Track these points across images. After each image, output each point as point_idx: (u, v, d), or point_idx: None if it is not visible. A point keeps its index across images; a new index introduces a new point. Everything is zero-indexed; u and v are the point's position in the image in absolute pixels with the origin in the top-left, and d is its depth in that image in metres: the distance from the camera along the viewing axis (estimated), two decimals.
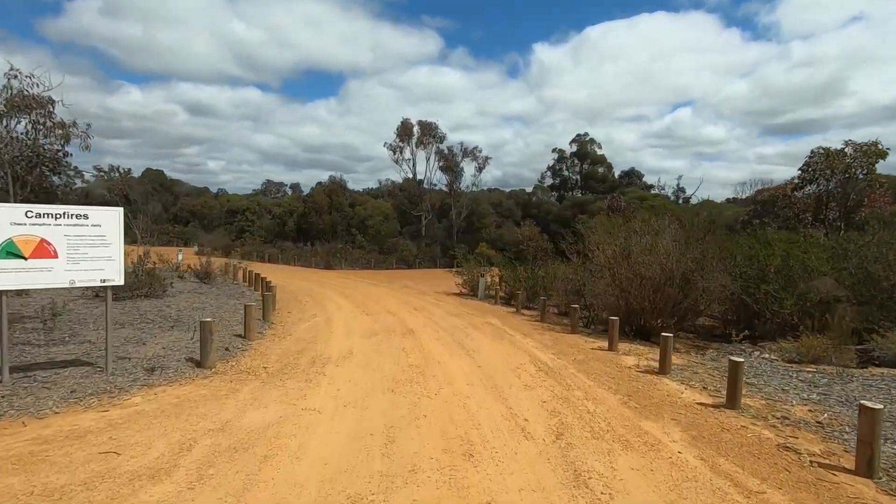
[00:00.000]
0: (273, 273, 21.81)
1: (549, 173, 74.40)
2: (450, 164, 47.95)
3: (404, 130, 49.14)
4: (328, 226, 55.08)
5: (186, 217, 75.63)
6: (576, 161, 72.38)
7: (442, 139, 49.89)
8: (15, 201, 9.02)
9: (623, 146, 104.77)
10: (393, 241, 44.13)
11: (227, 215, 74.25)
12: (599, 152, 71.48)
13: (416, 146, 50.46)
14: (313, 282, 22.36)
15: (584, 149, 71.23)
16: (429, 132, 49.49)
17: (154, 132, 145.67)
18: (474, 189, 50.82)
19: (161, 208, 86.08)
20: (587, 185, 68.70)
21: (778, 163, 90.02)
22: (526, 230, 34.17)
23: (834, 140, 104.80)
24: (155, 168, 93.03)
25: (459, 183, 49.18)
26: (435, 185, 53.29)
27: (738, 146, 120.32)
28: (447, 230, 53.85)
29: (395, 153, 51.11)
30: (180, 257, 24.72)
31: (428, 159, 50.67)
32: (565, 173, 72.38)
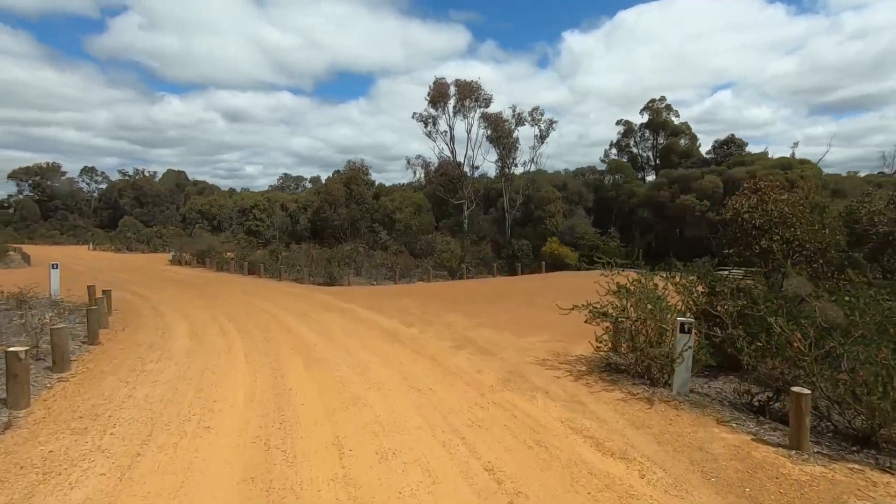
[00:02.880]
0: (190, 307, 10.80)
1: (613, 150, 61.24)
2: (501, 133, 36.08)
3: (437, 93, 37.56)
4: (346, 221, 44.25)
5: (195, 218, 66.77)
6: (647, 133, 59.02)
7: (487, 102, 38.06)
8: None
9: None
10: (427, 239, 32.69)
11: (238, 214, 65.24)
12: (677, 121, 57.88)
13: (454, 114, 38.82)
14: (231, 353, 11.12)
15: (659, 118, 57.63)
16: (469, 94, 37.73)
17: (196, 140, 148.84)
18: (531, 169, 38.76)
19: (175, 209, 78.68)
20: (666, 162, 55.21)
21: (827, 143, 74.89)
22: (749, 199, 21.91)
23: (891, 117, 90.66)
24: (198, 175, 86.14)
25: (514, 159, 37.25)
26: (476, 167, 41.46)
27: (785, 127, 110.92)
28: (497, 222, 41.96)
29: (426, 125, 39.62)
30: (54, 283, 14.19)
31: (469, 131, 38.94)
32: (634, 150, 59.18)
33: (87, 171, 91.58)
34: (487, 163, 40.15)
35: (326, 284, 20.42)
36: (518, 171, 38.96)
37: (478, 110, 38.79)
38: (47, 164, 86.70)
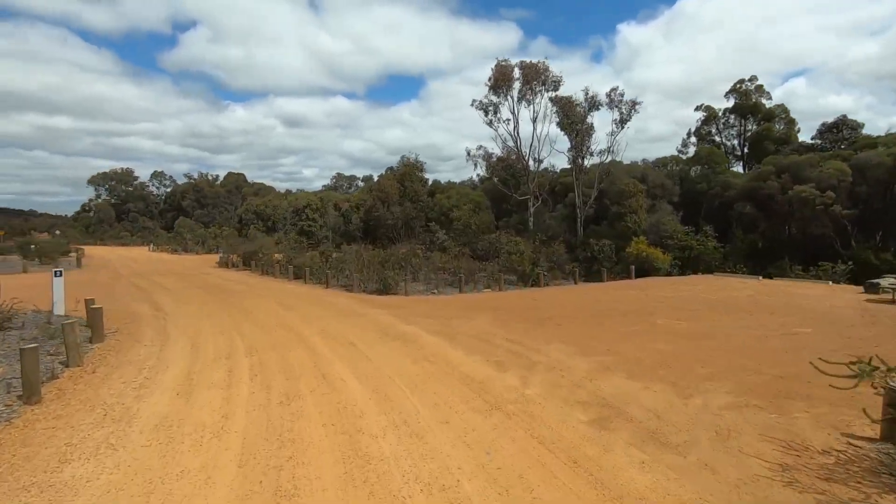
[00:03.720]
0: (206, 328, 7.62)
1: (692, 140, 54.77)
2: (573, 119, 31.61)
3: (500, 77, 33.66)
4: (400, 220, 41.37)
5: (251, 219, 66.76)
6: (732, 119, 52.21)
7: (556, 84, 33.69)
8: None
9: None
10: (490, 239, 28.94)
11: (292, 215, 64.51)
12: (769, 103, 50.68)
13: (518, 101, 34.76)
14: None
15: (747, 101, 50.73)
16: (536, 76, 33.55)
17: (257, 145, 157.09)
18: (607, 159, 33.90)
19: (233, 210, 79.82)
20: (758, 150, 48.26)
21: None
22: None
23: None
24: (258, 179, 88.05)
25: (588, 147, 32.62)
26: (540, 161, 37.15)
27: (870, 116, 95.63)
28: (566, 220, 37.48)
29: (486, 113, 35.81)
30: (56, 294, 11.72)
31: (535, 119, 34.72)
32: (717, 138, 52.52)
33: (157, 175, 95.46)
34: (555, 153, 35.76)
35: (379, 292, 17.19)
36: (593, 161, 34.26)
37: (545, 94, 34.56)
38: (122, 169, 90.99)
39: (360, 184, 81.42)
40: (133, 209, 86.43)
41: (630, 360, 7.92)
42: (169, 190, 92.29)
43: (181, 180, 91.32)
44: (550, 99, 33.80)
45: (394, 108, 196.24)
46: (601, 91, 32.91)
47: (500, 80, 33.61)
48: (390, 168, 50.28)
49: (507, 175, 38.28)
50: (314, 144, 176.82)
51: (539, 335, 9.82)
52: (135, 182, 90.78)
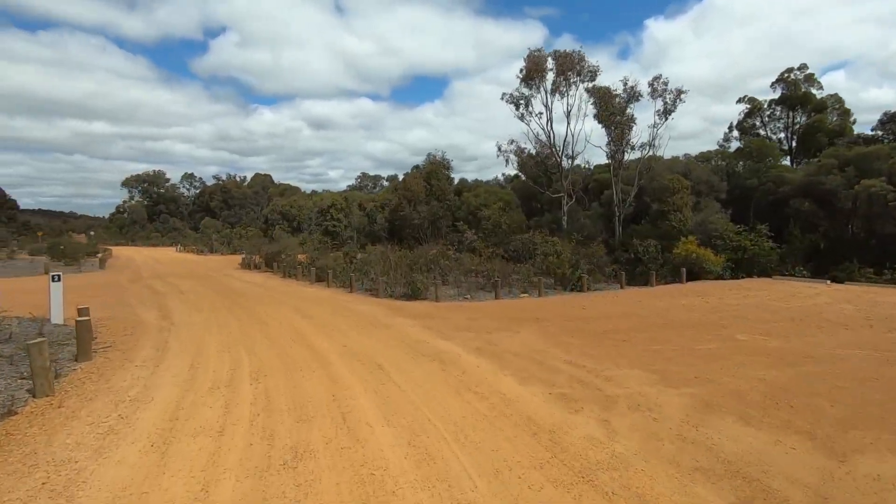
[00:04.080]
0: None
1: (735, 134, 51.71)
2: (612, 111, 29.43)
3: (532, 67, 31.78)
4: (426, 220, 39.93)
5: (276, 219, 66.61)
6: (778, 111, 48.93)
7: (593, 75, 31.58)
8: None
9: None
10: (523, 239, 27.14)
11: (317, 215, 64.01)
12: (821, 94, 47.24)
13: (552, 93, 32.80)
14: None
15: (796, 91, 47.41)
16: (570, 66, 31.53)
17: (284, 148, 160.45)
18: (647, 153, 31.54)
19: (259, 211, 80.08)
20: (809, 143, 44.98)
21: None
22: None
23: None
24: (285, 180, 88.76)
25: (628, 140, 30.34)
26: (573, 157, 35.08)
27: None
28: (603, 218, 35.30)
29: (517, 107, 33.97)
30: (54, 301, 10.62)
31: (568, 112, 32.68)
32: (762, 131, 49.28)
33: (187, 177, 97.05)
34: (590, 148, 33.51)
35: (407, 298, 15.68)
36: (634, 156, 31.95)
37: (580, 86, 32.50)
38: (154, 171, 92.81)
39: (385, 183, 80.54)
40: (164, 210, 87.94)
41: (731, 394, 6.13)
42: (198, 191, 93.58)
43: (210, 182, 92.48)
44: (587, 90, 31.73)
45: (417, 109, 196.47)
46: (642, 81, 30.49)
47: (532, 72, 31.73)
48: (416, 166, 48.96)
49: (540, 171, 36.35)
50: (339, 146, 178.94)
51: (602, 355, 8.09)
52: (166, 184, 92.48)
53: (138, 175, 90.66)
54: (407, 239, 38.53)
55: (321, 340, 9.00)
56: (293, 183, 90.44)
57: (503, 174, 62.87)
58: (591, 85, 31.46)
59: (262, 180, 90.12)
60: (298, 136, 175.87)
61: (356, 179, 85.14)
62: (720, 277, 24.49)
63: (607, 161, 34.27)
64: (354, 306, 13.58)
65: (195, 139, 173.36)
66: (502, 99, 34.52)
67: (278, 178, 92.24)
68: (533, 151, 35.00)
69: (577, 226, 34.70)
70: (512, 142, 33.69)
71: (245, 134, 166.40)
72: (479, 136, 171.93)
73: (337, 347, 8.47)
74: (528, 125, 33.68)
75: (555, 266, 20.80)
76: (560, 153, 33.69)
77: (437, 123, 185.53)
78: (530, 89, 33.42)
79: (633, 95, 31.10)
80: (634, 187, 31.58)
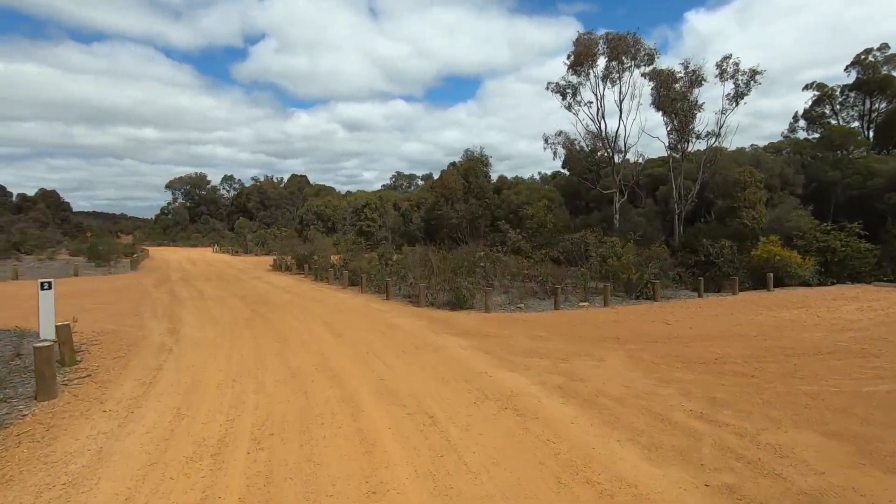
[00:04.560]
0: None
1: (801, 124, 47.11)
2: (674, 96, 26.37)
3: (582, 52, 29.09)
4: (464, 219, 37.80)
5: (311, 219, 66.12)
6: (853, 97, 44.11)
7: (650, 57, 28.61)
8: None
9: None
10: (573, 240, 24.56)
11: (351, 215, 63.03)
12: None
13: (602, 80, 30.00)
14: None
15: (875, 75, 42.57)
16: (625, 51, 28.66)
17: (320, 150, 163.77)
18: (714, 143, 28.20)
19: (295, 211, 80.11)
20: (890, 133, 40.22)
21: None
22: None
23: None
24: (321, 182, 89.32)
25: (692, 129, 27.17)
26: (625, 150, 32.12)
27: None
28: (660, 216, 32.20)
29: (564, 97, 31.34)
30: (44, 313, 9.06)
31: (621, 101, 29.77)
32: (833, 120, 44.58)
33: (227, 179, 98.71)
34: (642, 141, 30.42)
35: (451, 307, 13.59)
36: (697, 147, 28.71)
37: (635, 71, 29.56)
38: (196, 174, 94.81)
39: (420, 182, 78.95)
40: (205, 212, 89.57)
41: None
42: (236, 192, 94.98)
43: (249, 184, 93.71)
44: (643, 75, 28.78)
45: (451, 110, 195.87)
46: (708, 61, 27.17)
47: (582, 56, 29.05)
48: (453, 163, 46.87)
49: (590, 165, 33.53)
50: (374, 147, 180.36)
51: (739, 402, 5.71)
52: (207, 186, 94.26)
53: (181, 177, 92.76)
54: (444, 239, 36.55)
55: (352, 370, 6.99)
56: (328, 184, 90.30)
57: (539, 173, 59.95)
58: (648, 69, 28.50)
59: (298, 181, 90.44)
60: (334, 139, 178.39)
61: (391, 179, 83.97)
62: (806, 283, 21.24)
63: (665, 153, 31.18)
64: (392, 318, 11.57)
65: (236, 143, 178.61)
66: (547, 88, 31.96)
67: (314, 179, 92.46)
68: (583, 143, 32.20)
69: (631, 224, 31.75)
70: (560, 133, 31.05)
71: (283, 137, 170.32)
72: (512, 135, 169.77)
73: (372, 382, 6.44)
74: (577, 115, 30.95)
75: (615, 270, 18.22)
76: (612, 145, 30.83)
77: (470, 123, 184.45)
78: (579, 76, 30.74)
79: (695, 79, 27.91)
80: (697, 182, 28.38)
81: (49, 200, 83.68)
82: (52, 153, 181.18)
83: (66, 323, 7.26)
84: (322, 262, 22.94)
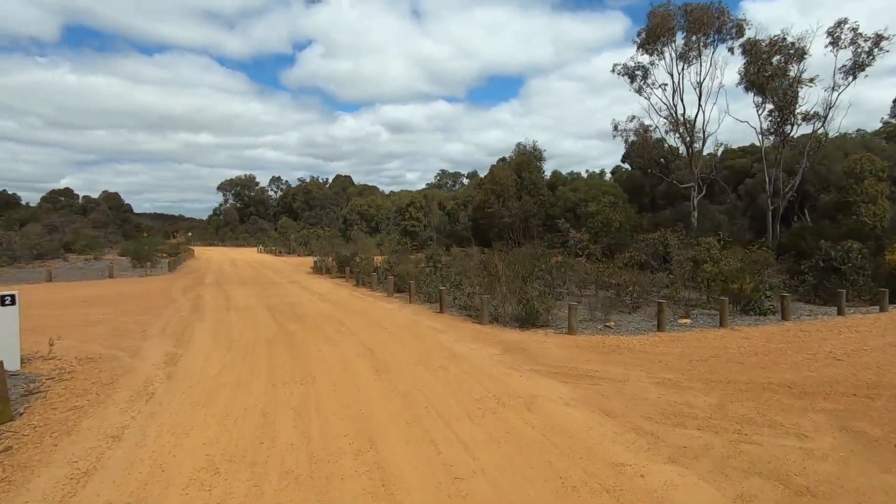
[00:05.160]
0: None
1: None
2: (772, 72, 22.30)
3: (659, 26, 25.47)
4: (517, 218, 34.75)
5: (355, 219, 64.86)
6: None
7: (739, 29, 24.64)
8: None
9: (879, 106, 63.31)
10: (650, 241, 21.08)
11: (395, 215, 61.24)
12: None
13: (680, 58, 26.24)
14: None
15: None
16: (709, 23, 24.81)
17: (365, 152, 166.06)
18: (819, 128, 23.78)
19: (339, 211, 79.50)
20: None
21: None
22: None
23: None
24: (364, 183, 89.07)
25: (793, 110, 22.97)
26: (704, 136, 28.08)
27: None
28: (746, 213, 28.03)
29: (633, 79, 27.79)
30: (6, 332, 6.85)
31: (701, 82, 25.85)
32: None
33: (275, 180, 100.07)
34: (724, 127, 26.52)
35: (521, 323, 10.81)
36: (801, 131, 24.40)
37: (719, 46, 25.63)
38: (245, 176, 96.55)
39: (465, 181, 76.30)
40: (253, 212, 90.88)
41: None
42: (282, 193, 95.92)
43: (295, 185, 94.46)
44: (730, 49, 24.83)
45: (493, 109, 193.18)
46: (808, 29, 22.82)
47: (657, 31, 25.45)
48: (502, 158, 43.78)
49: (661, 156, 29.77)
50: (416, 148, 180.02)
51: None
52: (256, 187, 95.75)
53: (231, 179, 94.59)
54: (494, 240, 33.68)
55: (406, 454, 4.35)
56: (372, 185, 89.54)
57: (587, 170, 55.68)
58: (738, 42, 24.53)
59: (343, 181, 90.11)
60: (377, 140, 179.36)
61: (435, 177, 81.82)
62: None
63: (748, 142, 26.99)
64: (452, 342, 8.92)
65: (284, 146, 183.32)
66: (613, 71, 28.50)
67: (359, 181, 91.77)
68: (660, 130, 28.43)
69: (711, 223, 27.76)
70: (632, 118, 27.47)
71: (329, 140, 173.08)
72: (555, 133, 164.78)
73: (442, 483, 3.77)
74: (649, 99, 27.32)
75: (720, 278, 14.73)
76: (691, 132, 26.95)
77: (512, 123, 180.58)
78: (651, 55, 27.13)
79: (794, 53, 23.67)
80: (798, 172, 24.11)
81: (111, 202, 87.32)
82: (119, 159, 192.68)
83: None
84: (364, 264, 20.70)
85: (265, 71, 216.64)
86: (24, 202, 76.07)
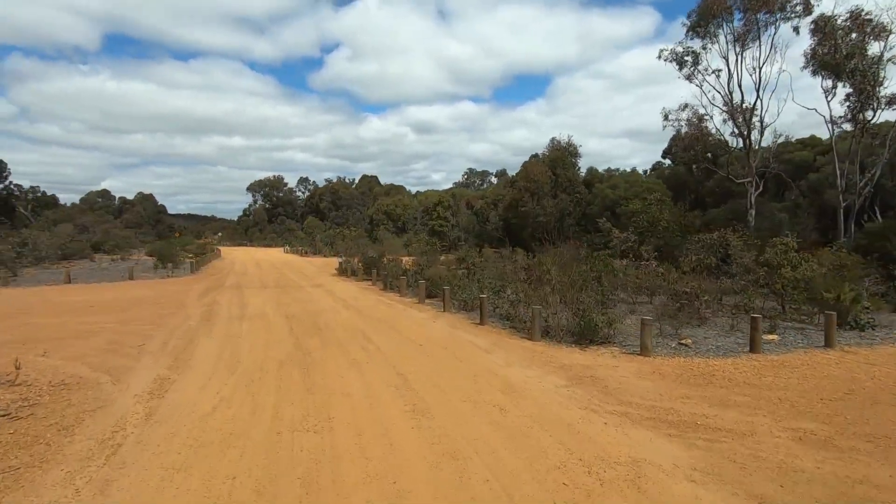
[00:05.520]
0: None
1: None
2: (848, 51, 19.73)
3: (713, 5, 23.14)
4: (552, 217, 32.74)
5: (381, 219, 63.83)
6: None
7: (807, 7, 22.07)
8: None
9: None
10: (707, 241, 18.86)
11: (422, 214, 59.89)
12: None
13: (736, 41, 23.83)
14: None
15: None
16: (772, 1, 22.32)
17: (391, 153, 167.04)
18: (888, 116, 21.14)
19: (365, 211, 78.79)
20: None
21: None
22: None
23: None
24: (392, 182, 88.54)
25: (874, 93, 20.33)
26: (762, 126, 25.49)
27: None
28: (810, 211, 25.37)
29: (682, 66, 25.50)
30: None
31: (760, 67, 23.36)
32: None
33: (302, 181, 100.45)
34: (783, 117, 23.83)
35: (577, 340, 9.08)
36: (883, 118, 21.64)
37: (782, 25, 23.10)
38: (274, 177, 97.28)
39: (494, 180, 74.41)
40: (281, 212, 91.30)
41: None
42: (309, 193, 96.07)
43: (322, 185, 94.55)
44: (796, 29, 22.30)
45: (519, 109, 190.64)
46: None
47: (712, 10, 23.13)
48: (535, 155, 41.74)
49: (713, 148, 27.33)
50: (442, 149, 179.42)
51: None
52: (284, 188, 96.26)
53: (260, 180, 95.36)
54: (528, 240, 31.77)
55: None
56: (398, 184, 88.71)
57: (618, 169, 52.90)
58: (805, 20, 21.99)
59: (369, 181, 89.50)
60: (404, 141, 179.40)
61: (462, 176, 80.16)
62: None
63: (809, 133, 24.30)
64: (502, 367, 7.26)
65: (313, 148, 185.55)
66: (659, 58, 26.27)
67: (385, 181, 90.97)
68: (715, 121, 26.01)
69: (771, 222, 25.21)
70: (685, 107, 25.21)
71: (356, 141, 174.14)
72: (582, 132, 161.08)
73: None
74: (701, 87, 24.98)
75: (794, 284, 12.58)
76: (748, 121, 24.49)
77: (538, 122, 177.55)
78: (703, 39, 24.79)
79: (873, 30, 20.97)
80: (878, 164, 21.41)
81: (146, 203, 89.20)
82: (156, 162, 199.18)
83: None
84: (392, 266, 19.24)
85: (293, 74, 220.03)
86: (62, 203, 78.17)
